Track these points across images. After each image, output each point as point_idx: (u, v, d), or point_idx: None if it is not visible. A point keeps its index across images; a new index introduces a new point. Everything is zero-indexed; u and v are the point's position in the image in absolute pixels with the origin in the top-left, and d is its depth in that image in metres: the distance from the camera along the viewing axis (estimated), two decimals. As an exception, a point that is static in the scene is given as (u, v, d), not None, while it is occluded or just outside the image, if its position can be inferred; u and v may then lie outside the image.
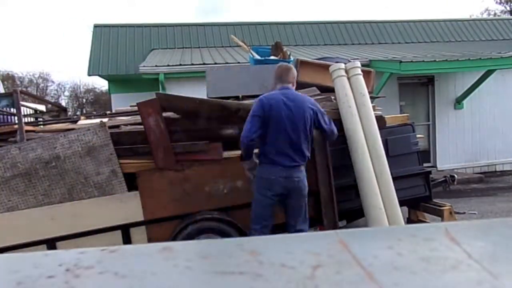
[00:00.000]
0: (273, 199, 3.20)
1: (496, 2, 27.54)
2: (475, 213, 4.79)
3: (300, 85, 4.23)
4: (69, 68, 49.37)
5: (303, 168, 3.22)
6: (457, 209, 4.34)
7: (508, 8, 27.24)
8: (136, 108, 3.65)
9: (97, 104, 30.45)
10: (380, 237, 0.62)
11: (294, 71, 3.40)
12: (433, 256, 0.53)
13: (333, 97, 3.96)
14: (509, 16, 22.81)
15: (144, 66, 8.99)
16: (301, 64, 4.45)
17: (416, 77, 9.28)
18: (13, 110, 4.76)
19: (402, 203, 3.76)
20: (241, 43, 5.84)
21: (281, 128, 3.14)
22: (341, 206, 3.68)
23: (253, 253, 0.54)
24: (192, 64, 9.00)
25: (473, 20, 16.05)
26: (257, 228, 3.23)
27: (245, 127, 3.15)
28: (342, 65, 3.94)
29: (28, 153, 3.37)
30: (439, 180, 4.74)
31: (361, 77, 3.86)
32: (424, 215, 4.29)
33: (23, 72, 33.27)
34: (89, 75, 11.47)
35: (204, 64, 8.87)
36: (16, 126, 3.84)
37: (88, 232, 3.39)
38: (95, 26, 12.53)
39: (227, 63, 9.00)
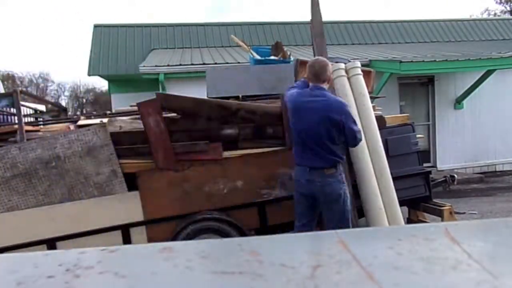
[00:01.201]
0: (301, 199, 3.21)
1: (496, 2, 27.53)
2: (475, 213, 4.79)
3: (300, 85, 4.23)
4: (69, 68, 49.41)
5: (329, 172, 3.08)
6: (457, 209, 4.34)
7: (508, 8, 27.23)
8: (136, 108, 3.65)
9: (97, 104, 30.44)
10: (380, 237, 0.62)
11: (328, 68, 3.21)
12: (433, 256, 0.53)
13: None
14: (509, 16, 22.80)
15: (144, 66, 8.98)
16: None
17: (416, 77, 9.27)
18: (13, 110, 4.76)
19: (402, 203, 3.76)
20: (241, 43, 5.84)
21: (302, 129, 3.12)
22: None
23: (253, 253, 0.54)
24: (192, 64, 8.99)
25: (473, 20, 16.04)
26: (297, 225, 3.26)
27: None
28: (342, 65, 3.93)
29: (28, 153, 3.37)
30: (439, 180, 4.74)
31: (361, 77, 3.85)
32: (424, 215, 4.29)
33: (23, 72, 33.28)
34: (89, 75, 11.46)
35: (204, 64, 8.87)
36: (16, 126, 3.84)
37: (88, 232, 3.39)
38: (95, 26, 12.52)
39: (227, 63, 8.99)
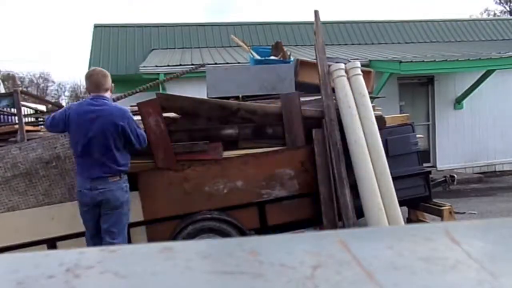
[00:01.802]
0: (85, 209, 3.14)
1: (496, 2, 27.57)
2: (474, 213, 4.78)
3: (300, 85, 4.23)
4: (69, 68, 49.44)
5: (114, 179, 3.09)
6: (457, 209, 4.34)
7: (508, 8, 27.24)
8: (136, 108, 3.65)
9: (97, 104, 30.39)
10: (380, 237, 0.62)
11: (109, 77, 3.28)
12: (433, 256, 0.53)
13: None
14: (509, 16, 22.81)
15: (144, 66, 8.99)
16: (301, 64, 4.45)
17: (416, 77, 9.27)
18: (13, 110, 4.76)
19: (402, 203, 3.76)
20: (241, 43, 5.84)
21: (82, 140, 3.06)
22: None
23: (253, 253, 0.54)
24: (192, 64, 8.99)
25: (473, 20, 16.05)
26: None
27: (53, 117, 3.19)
28: (342, 65, 3.94)
29: (28, 153, 3.37)
30: (439, 180, 4.74)
31: (361, 77, 3.86)
32: (424, 215, 4.29)
33: (23, 72, 33.30)
34: (89, 75, 11.47)
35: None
36: (16, 126, 3.84)
37: (88, 232, 3.39)
38: (95, 26, 12.52)
39: (227, 63, 9.00)
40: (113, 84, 3.34)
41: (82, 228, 3.39)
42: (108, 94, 3.22)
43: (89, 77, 3.20)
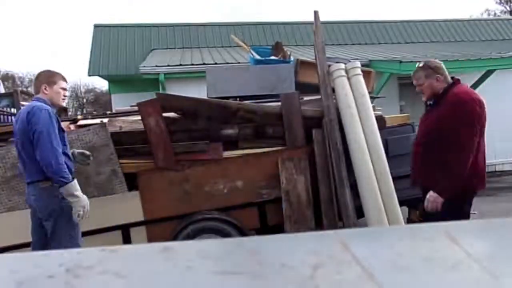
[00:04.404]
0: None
1: (496, 2, 27.56)
2: (475, 213, 4.78)
3: (300, 85, 4.23)
4: (69, 68, 49.42)
5: (39, 185, 2.77)
6: (457, 209, 4.33)
7: (508, 8, 27.24)
8: (136, 108, 3.66)
9: (97, 104, 30.44)
10: (380, 237, 0.62)
11: (41, 78, 2.93)
12: (433, 256, 0.53)
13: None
14: (509, 16, 22.80)
15: (144, 66, 8.98)
16: (301, 64, 4.46)
17: (416, 77, 9.26)
18: (13, 110, 4.76)
19: (402, 203, 3.76)
20: (241, 43, 5.85)
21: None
22: None
23: (253, 253, 0.54)
24: (192, 64, 8.99)
25: (473, 20, 16.03)
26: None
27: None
28: (342, 65, 3.94)
29: (28, 153, 3.36)
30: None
31: (361, 77, 3.86)
32: (424, 215, 4.28)
33: (23, 72, 33.27)
34: (89, 75, 11.47)
35: (204, 64, 8.86)
36: (16, 126, 3.82)
37: (88, 232, 3.39)
38: (95, 26, 12.51)
39: (227, 63, 8.99)
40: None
41: (82, 228, 3.39)
42: (40, 94, 2.91)
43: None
